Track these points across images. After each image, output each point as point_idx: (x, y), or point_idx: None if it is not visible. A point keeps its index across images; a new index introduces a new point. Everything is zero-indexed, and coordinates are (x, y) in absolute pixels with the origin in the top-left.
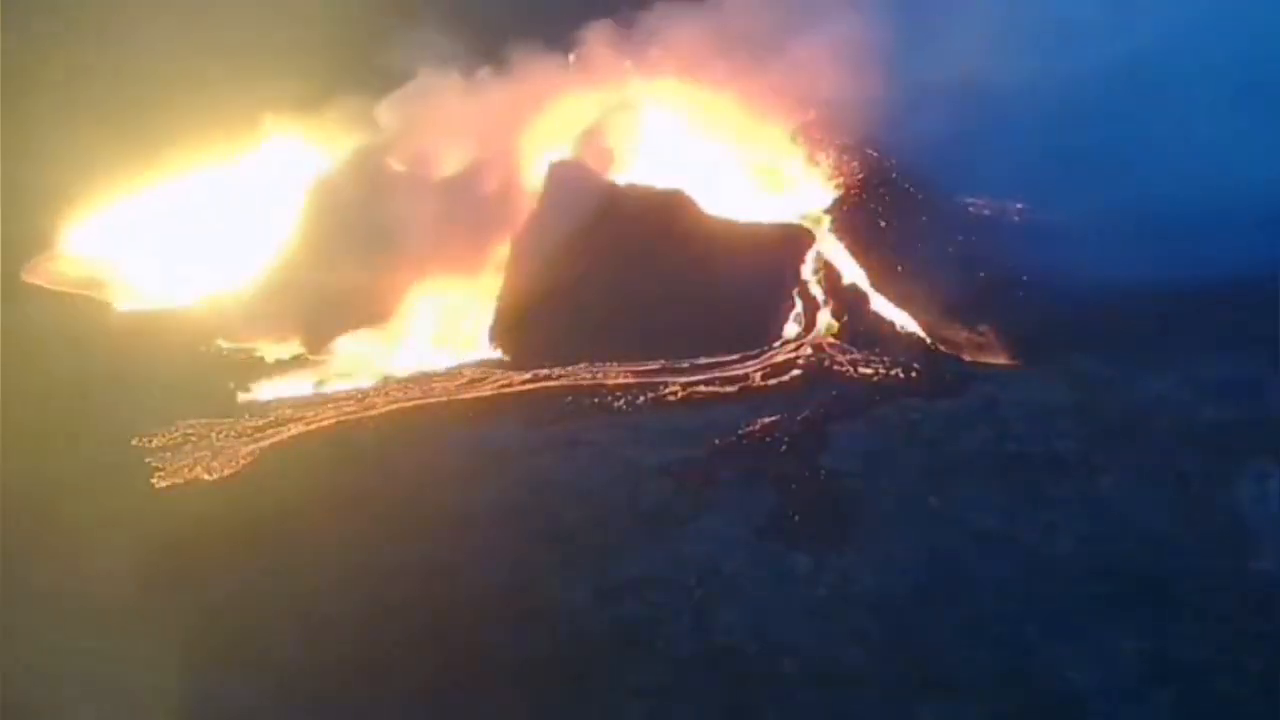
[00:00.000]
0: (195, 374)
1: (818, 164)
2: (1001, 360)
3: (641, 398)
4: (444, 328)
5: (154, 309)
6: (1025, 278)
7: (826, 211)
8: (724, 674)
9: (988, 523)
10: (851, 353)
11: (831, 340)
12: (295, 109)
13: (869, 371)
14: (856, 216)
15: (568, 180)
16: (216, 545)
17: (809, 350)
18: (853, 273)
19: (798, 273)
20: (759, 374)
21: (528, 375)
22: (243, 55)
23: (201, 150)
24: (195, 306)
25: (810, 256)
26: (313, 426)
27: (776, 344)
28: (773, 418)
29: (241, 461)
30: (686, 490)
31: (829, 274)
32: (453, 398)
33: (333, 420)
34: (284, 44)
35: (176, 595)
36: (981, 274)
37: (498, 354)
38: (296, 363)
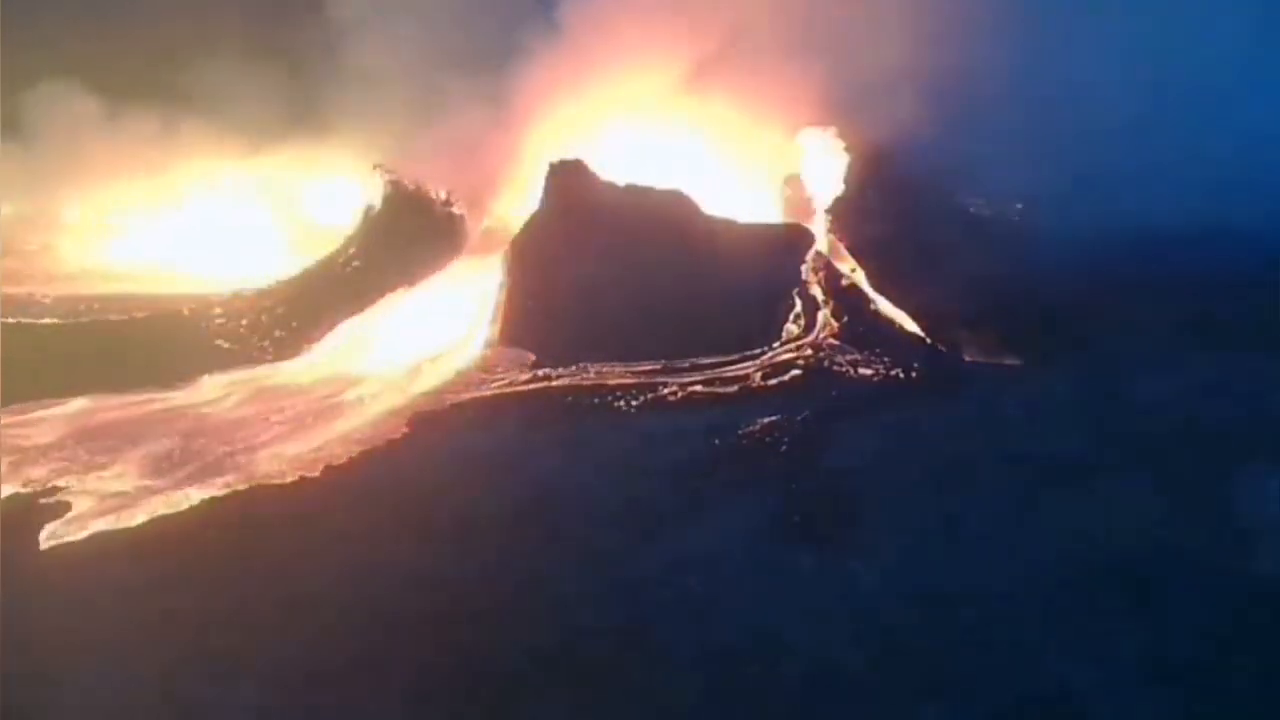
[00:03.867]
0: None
1: (818, 165)
2: (1001, 360)
3: (642, 398)
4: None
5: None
6: (1025, 278)
7: (826, 211)
8: (724, 674)
9: (988, 523)
10: (851, 353)
11: (831, 340)
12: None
13: (869, 371)
14: (856, 216)
15: (567, 181)
16: (216, 549)
17: (809, 350)
18: (853, 273)
19: (798, 273)
20: (759, 374)
21: (528, 375)
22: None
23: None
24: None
25: (810, 256)
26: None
27: (776, 344)
28: (773, 418)
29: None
30: (686, 490)
31: (829, 274)
32: (454, 399)
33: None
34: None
35: (177, 599)
36: (981, 274)
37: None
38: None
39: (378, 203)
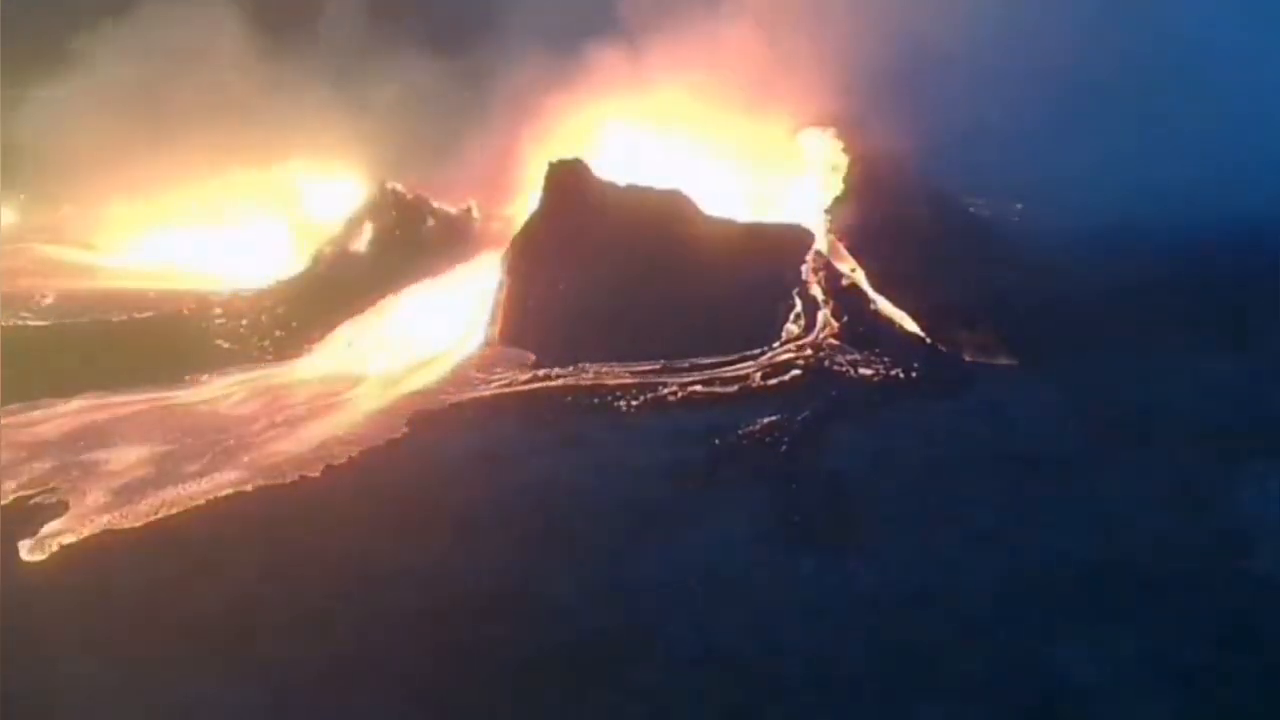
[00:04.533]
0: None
1: (818, 164)
2: (1001, 360)
3: (642, 398)
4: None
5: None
6: (1025, 278)
7: (826, 211)
8: (724, 674)
9: (988, 523)
10: (851, 353)
11: (831, 340)
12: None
13: (869, 371)
14: (856, 216)
15: (567, 181)
16: (216, 548)
17: (809, 350)
18: (853, 273)
19: (798, 273)
20: (759, 374)
21: (528, 375)
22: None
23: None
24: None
25: (810, 256)
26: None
27: (776, 344)
28: (773, 418)
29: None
30: (687, 490)
31: (829, 274)
32: (454, 399)
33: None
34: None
35: (176, 598)
36: (981, 274)
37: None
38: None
39: (380, 205)
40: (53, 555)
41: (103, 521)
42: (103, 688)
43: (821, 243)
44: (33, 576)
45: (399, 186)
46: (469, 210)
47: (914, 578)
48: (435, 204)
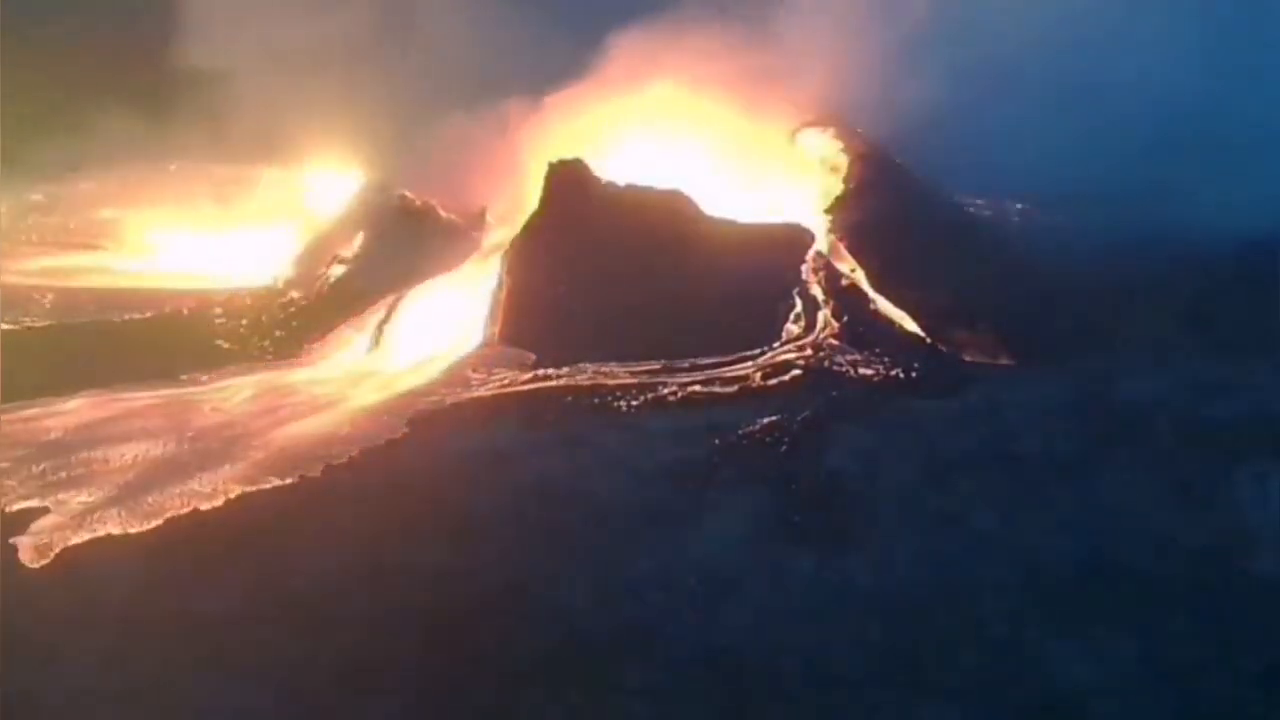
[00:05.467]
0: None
1: (818, 163)
2: (1001, 360)
3: (642, 398)
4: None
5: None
6: (1025, 278)
7: (826, 211)
8: (724, 674)
9: (987, 523)
10: (851, 353)
11: (832, 340)
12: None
13: (869, 371)
14: (856, 216)
15: (567, 180)
16: (216, 549)
17: (809, 350)
18: (853, 273)
19: (798, 273)
20: (759, 374)
21: (528, 375)
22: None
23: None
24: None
25: (810, 256)
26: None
27: (776, 344)
28: (773, 418)
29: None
30: (686, 490)
31: (829, 274)
32: (454, 399)
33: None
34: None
35: (175, 600)
36: (981, 273)
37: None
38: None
39: (382, 206)
40: (52, 556)
41: (102, 522)
42: (102, 689)
43: (821, 243)
44: (32, 577)
45: (407, 192)
46: (482, 214)
47: (914, 578)
48: (444, 214)
